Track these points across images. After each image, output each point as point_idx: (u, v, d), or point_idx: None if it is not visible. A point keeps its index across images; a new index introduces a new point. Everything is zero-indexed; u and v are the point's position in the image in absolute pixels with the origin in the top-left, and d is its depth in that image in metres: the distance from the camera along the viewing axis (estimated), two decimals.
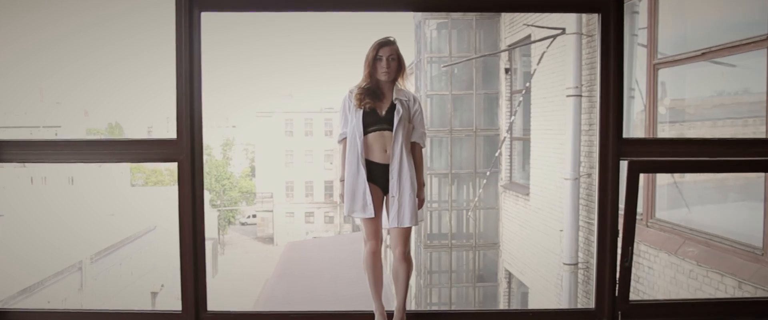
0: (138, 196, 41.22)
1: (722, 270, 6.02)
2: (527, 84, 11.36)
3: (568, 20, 9.00)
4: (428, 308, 14.95)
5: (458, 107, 14.89)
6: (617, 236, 4.02)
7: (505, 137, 12.98)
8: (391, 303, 4.01)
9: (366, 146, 3.91)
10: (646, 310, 4.18)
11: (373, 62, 3.90)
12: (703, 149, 4.21)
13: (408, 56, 17.26)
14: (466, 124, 14.80)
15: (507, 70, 13.48)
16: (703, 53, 6.49)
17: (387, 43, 3.89)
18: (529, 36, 11.32)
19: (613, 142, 3.98)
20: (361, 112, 3.90)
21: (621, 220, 4.01)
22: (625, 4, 8.22)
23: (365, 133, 3.90)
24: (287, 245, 35.07)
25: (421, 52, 15.09)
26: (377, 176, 3.92)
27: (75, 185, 40.74)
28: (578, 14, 8.74)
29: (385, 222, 4.03)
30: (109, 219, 33.51)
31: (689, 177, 7.49)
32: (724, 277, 5.96)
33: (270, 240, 51.73)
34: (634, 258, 7.67)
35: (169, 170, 58.86)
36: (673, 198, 7.72)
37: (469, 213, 14.30)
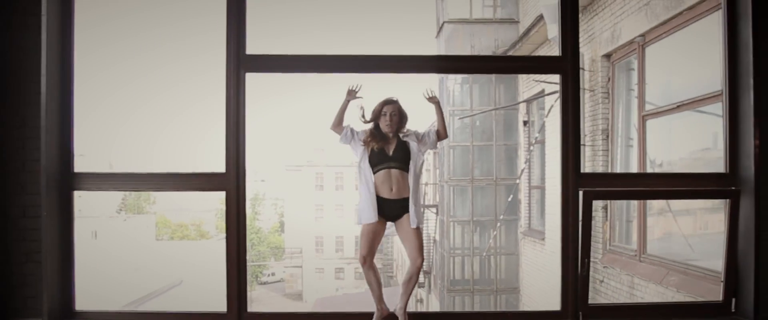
0: (164, 251, 42.09)
1: (696, 294, 7.07)
2: (537, 135, 12.53)
3: None
4: None
5: (480, 157, 16.11)
6: (577, 251, 5.16)
7: (517, 182, 14.10)
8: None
9: (376, 184, 5.00)
10: (602, 311, 5.33)
11: (378, 116, 5.09)
12: (650, 181, 5.39)
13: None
14: (486, 173, 16.01)
15: (525, 123, 14.66)
16: (679, 106, 7.66)
17: (389, 102, 5.08)
18: (542, 90, 12.55)
19: (573, 175, 5.16)
20: (369, 150, 5.07)
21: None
22: (621, 63, 9.47)
23: (374, 172, 5.01)
24: (316, 301, 35.79)
25: (444, 105, 16.42)
26: (383, 208, 5.03)
27: (98, 239, 41.94)
28: (581, 71, 10.00)
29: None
30: (133, 274, 34.33)
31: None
32: (697, 300, 7.00)
33: (299, 296, 52.29)
34: (631, 291, 8.79)
35: (195, 225, 60.25)
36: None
37: (484, 254, 15.35)
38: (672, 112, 7.91)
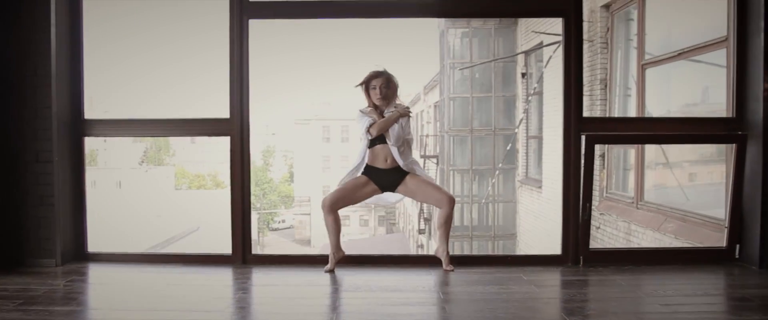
0: (182, 199, 42.34)
1: (694, 240, 6.85)
2: (535, 86, 12.24)
3: None
4: None
5: (479, 109, 15.82)
6: (579, 196, 4.93)
7: (516, 132, 13.86)
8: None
9: (372, 156, 4.84)
10: (602, 256, 5.11)
11: (368, 91, 4.85)
12: (653, 125, 5.13)
13: (434, 63, 18.17)
14: (485, 124, 15.74)
15: (523, 75, 14.37)
16: (680, 53, 7.35)
17: (376, 75, 4.83)
18: (541, 43, 12.22)
19: (575, 120, 4.91)
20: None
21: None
22: (620, 13, 9.13)
23: (371, 145, 4.82)
24: (323, 246, 35.84)
25: (444, 58, 16.07)
26: (379, 177, 4.83)
27: (123, 189, 42.09)
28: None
29: (391, 198, 4.98)
30: (156, 221, 34.58)
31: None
32: (699, 246, 6.78)
33: (307, 242, 52.46)
34: (627, 237, 8.58)
35: (211, 175, 60.37)
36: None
37: (483, 202, 15.19)
38: (672, 60, 7.61)
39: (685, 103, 8.17)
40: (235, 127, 4.99)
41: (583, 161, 4.88)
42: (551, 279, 4.63)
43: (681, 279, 4.59)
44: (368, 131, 4.80)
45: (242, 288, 4.46)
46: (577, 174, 4.94)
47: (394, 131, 4.76)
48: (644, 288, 4.31)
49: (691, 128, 5.05)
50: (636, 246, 8.30)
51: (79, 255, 5.17)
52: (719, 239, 6.46)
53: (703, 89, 8.08)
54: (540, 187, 12.71)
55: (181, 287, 4.46)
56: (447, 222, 4.86)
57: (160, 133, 5.22)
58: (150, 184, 43.45)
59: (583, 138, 4.89)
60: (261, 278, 4.71)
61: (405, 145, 4.85)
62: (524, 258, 5.33)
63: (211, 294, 4.29)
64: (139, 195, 39.72)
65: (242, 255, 5.04)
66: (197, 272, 4.88)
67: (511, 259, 5.15)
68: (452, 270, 4.81)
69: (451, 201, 4.83)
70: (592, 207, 9.43)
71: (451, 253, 5.03)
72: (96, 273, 4.86)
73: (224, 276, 4.77)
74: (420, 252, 25.85)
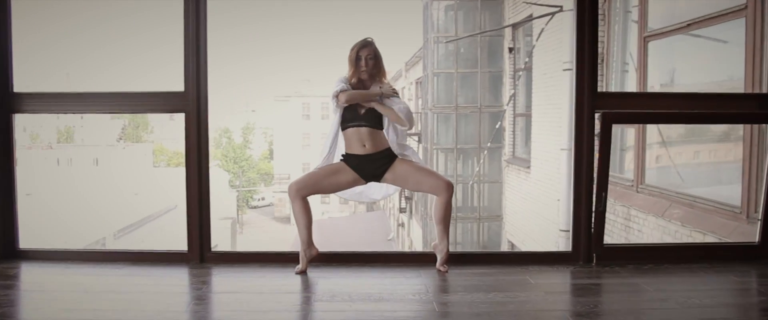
0: (160, 177, 41.42)
1: (704, 229, 6.17)
2: (526, 60, 11.50)
3: None
4: None
5: (464, 85, 15.05)
6: (592, 183, 4.18)
7: (504, 110, 13.13)
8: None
9: (346, 141, 4.09)
10: (618, 253, 4.36)
11: (355, 62, 4.07)
12: (677, 102, 4.38)
13: (416, 37, 17.42)
14: (471, 101, 14.98)
15: (511, 49, 13.60)
16: (689, 24, 6.62)
17: (365, 45, 4.06)
18: (530, 15, 11.46)
19: (588, 95, 4.15)
20: (342, 108, 4.08)
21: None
22: None
23: (344, 128, 4.08)
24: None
25: (428, 32, 15.28)
26: (359, 164, 4.06)
27: (100, 166, 41.14)
28: None
29: (376, 194, 4.24)
30: (133, 199, 33.78)
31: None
32: (706, 236, 6.11)
33: (287, 220, 51.68)
34: (626, 223, 7.88)
35: None
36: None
37: (472, 184, 14.48)
38: (680, 31, 6.88)
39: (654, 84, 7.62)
40: (190, 102, 4.18)
41: (597, 143, 4.12)
42: (562, 284, 3.90)
43: (713, 282, 3.88)
44: (336, 96, 4.03)
45: (198, 296, 3.67)
46: (591, 158, 4.18)
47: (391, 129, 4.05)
48: (674, 296, 3.58)
49: (720, 105, 4.30)
50: (636, 233, 7.64)
51: (8, 253, 4.37)
52: (736, 229, 5.79)
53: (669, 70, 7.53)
54: (528, 167, 12.01)
55: (123, 295, 3.68)
56: (446, 213, 4.10)
57: (103, 108, 4.41)
58: (128, 161, 42.52)
59: (599, 116, 4.12)
60: (220, 282, 3.93)
61: (397, 135, 4.10)
62: (529, 256, 4.57)
63: (160, 304, 3.51)
64: (116, 172, 38.84)
65: (200, 253, 4.26)
66: (147, 274, 4.10)
67: (514, 257, 4.41)
68: (446, 272, 4.06)
69: (449, 188, 4.07)
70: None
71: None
72: (25, 276, 4.07)
73: (178, 280, 4.00)
74: (401, 231, 25.17)
